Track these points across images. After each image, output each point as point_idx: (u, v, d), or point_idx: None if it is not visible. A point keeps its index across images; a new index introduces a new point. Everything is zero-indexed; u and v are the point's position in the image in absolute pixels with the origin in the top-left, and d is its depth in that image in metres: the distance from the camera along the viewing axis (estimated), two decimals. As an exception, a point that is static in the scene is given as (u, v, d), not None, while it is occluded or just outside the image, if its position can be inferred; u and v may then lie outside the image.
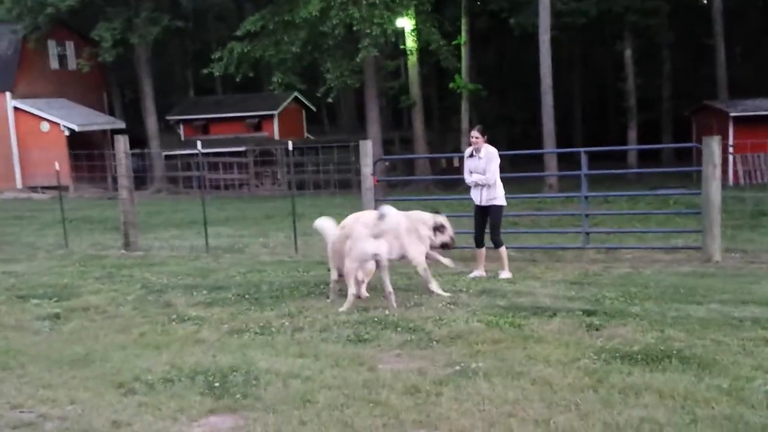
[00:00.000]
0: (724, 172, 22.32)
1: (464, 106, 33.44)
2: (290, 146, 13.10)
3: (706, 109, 30.13)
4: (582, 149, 11.88)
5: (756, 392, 4.43)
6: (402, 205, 18.82)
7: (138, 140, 33.83)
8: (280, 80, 29.50)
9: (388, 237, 7.61)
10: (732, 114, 27.17)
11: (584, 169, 11.36)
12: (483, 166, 9.19)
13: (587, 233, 11.65)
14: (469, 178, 9.40)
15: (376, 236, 7.38)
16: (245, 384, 4.96)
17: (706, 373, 4.81)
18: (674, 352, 5.27)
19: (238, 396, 4.75)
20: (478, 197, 9.31)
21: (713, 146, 9.93)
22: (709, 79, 34.51)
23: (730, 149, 25.12)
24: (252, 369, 5.24)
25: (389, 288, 7.42)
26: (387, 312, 6.96)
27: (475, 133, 9.22)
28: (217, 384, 4.98)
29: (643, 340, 5.66)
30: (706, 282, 8.49)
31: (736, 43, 40.65)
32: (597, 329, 6.07)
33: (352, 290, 7.37)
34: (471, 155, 9.36)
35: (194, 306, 7.63)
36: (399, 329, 6.31)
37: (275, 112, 39.39)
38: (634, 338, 5.75)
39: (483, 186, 9.23)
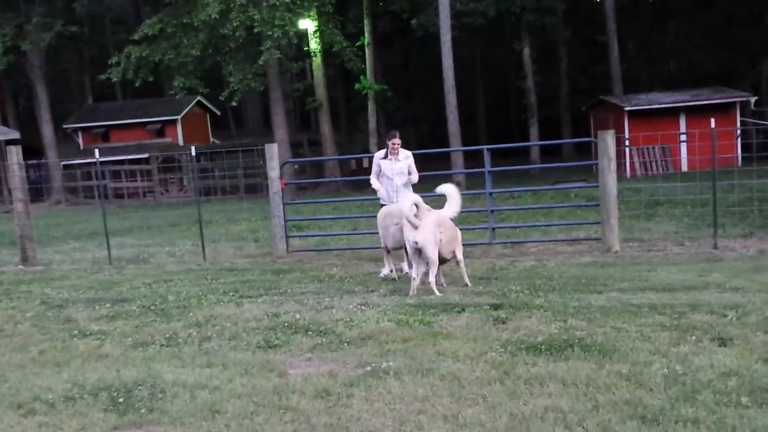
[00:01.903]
0: (622, 164, 23.25)
1: (371, 107, 33.66)
2: (193, 151, 12.84)
3: (603, 104, 31.24)
4: (485, 147, 12.13)
5: (654, 376, 4.60)
6: (312, 208, 18.81)
7: (34, 150, 32.56)
8: (181, 84, 28.94)
9: None
10: (627, 108, 28.26)
11: (487, 167, 11.62)
12: (402, 168, 9.60)
13: (493, 229, 11.92)
14: (375, 182, 9.62)
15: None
16: (151, 398, 4.82)
17: (606, 360, 4.97)
18: (576, 340, 5.43)
19: (143, 411, 4.61)
20: (393, 197, 9.57)
21: (608, 140, 10.31)
22: (604, 74, 35.85)
23: (626, 142, 26.13)
24: (158, 382, 5.10)
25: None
26: (297, 316, 6.91)
27: (397, 140, 9.60)
28: (121, 399, 4.82)
29: (547, 331, 5.81)
30: (606, 271, 8.81)
31: (628, 40, 42.33)
32: (503, 322, 6.20)
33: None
34: (386, 157, 9.66)
35: (96, 320, 7.37)
36: (310, 333, 6.28)
37: (178, 117, 38.66)
38: (538, 329, 5.89)
39: (399, 186, 9.58)
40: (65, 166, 34.71)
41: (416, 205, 7.87)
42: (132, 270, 11.40)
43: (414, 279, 7.88)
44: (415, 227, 7.76)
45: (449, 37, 26.18)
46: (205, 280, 9.77)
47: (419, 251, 7.81)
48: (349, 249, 12.42)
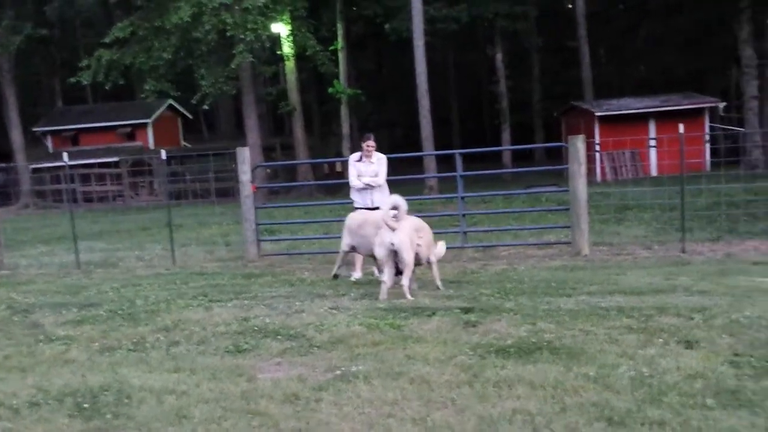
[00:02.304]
0: (592, 169, 23.46)
1: (344, 111, 33.64)
2: (163, 155, 12.73)
3: (574, 110, 31.52)
4: (457, 151, 12.18)
5: (621, 378, 4.63)
6: (284, 212, 18.78)
7: (3, 154, 32.14)
8: (152, 87, 28.72)
9: None
10: (597, 114, 28.55)
11: (459, 171, 11.67)
12: (376, 170, 9.69)
13: (465, 233, 11.95)
14: (356, 181, 9.65)
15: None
16: (117, 403, 4.76)
17: (574, 363, 4.99)
18: (545, 343, 5.45)
19: (108, 416, 4.55)
20: (367, 200, 9.59)
21: (578, 145, 10.40)
22: (575, 80, 36.17)
23: (597, 147, 26.38)
24: (124, 387, 5.03)
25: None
26: (267, 320, 6.86)
27: (371, 143, 9.71)
28: (86, 405, 4.75)
29: (516, 334, 5.82)
30: (575, 275, 8.87)
31: (599, 45, 42.79)
32: (473, 326, 6.20)
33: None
34: (360, 159, 9.77)
35: (63, 325, 7.26)
36: (279, 337, 6.23)
37: (149, 121, 38.34)
38: (507, 332, 5.90)
39: (372, 189, 9.67)
40: (34, 170, 34.25)
41: (396, 207, 7.87)
42: (100, 274, 11.27)
43: (385, 282, 7.86)
44: (393, 229, 7.75)
45: (422, 42, 26.28)
46: (174, 284, 9.68)
47: (394, 253, 7.79)
48: (320, 253, 12.39)
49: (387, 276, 7.88)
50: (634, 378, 4.62)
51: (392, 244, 7.73)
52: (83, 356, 6.03)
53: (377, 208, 9.45)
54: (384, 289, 7.81)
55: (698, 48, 38.75)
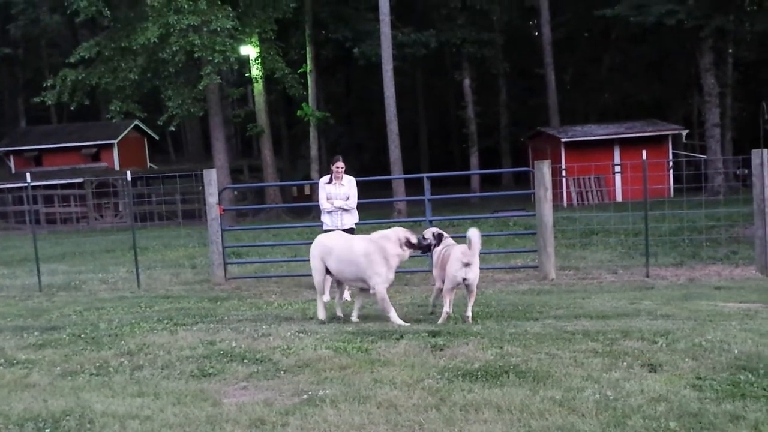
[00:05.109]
0: (559, 194, 23.73)
1: (313, 134, 33.62)
2: (129, 176, 12.62)
3: (541, 135, 31.89)
4: (425, 175, 12.26)
5: (586, 401, 4.67)
6: (252, 234, 18.63)
7: (-37, 173, 31.52)
8: (118, 108, 28.46)
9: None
10: (563, 139, 28.92)
11: (427, 194, 11.75)
12: (346, 193, 9.81)
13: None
14: (327, 204, 9.71)
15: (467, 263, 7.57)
16: (79, 428, 4.68)
17: (540, 386, 5.02)
18: (512, 367, 5.48)
19: (70, 442, 4.47)
20: (337, 222, 9.65)
21: (544, 170, 10.53)
22: (542, 106, 36.64)
23: (563, 173, 26.68)
24: (86, 412, 4.95)
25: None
26: (233, 344, 6.79)
27: (341, 164, 9.83)
28: (48, 430, 4.67)
29: (483, 358, 5.84)
30: (542, 299, 8.94)
31: (565, 72, 43.44)
32: (441, 349, 6.20)
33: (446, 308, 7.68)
34: (330, 182, 9.86)
35: (24, 349, 7.12)
36: (246, 361, 6.18)
37: (114, 141, 37.97)
38: (475, 356, 5.92)
39: (343, 211, 9.78)
40: (-5, 191, 33.69)
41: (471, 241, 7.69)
42: (63, 297, 11.10)
43: (448, 313, 7.71)
44: (467, 264, 7.64)
45: (391, 67, 26.47)
46: (139, 307, 9.56)
47: (468, 287, 7.71)
48: (288, 276, 12.34)
49: (449, 306, 7.74)
50: (599, 401, 4.66)
51: (466, 280, 7.66)
52: (45, 380, 5.92)
53: (351, 230, 9.55)
54: (445, 317, 7.71)
55: (661, 76, 39.57)
